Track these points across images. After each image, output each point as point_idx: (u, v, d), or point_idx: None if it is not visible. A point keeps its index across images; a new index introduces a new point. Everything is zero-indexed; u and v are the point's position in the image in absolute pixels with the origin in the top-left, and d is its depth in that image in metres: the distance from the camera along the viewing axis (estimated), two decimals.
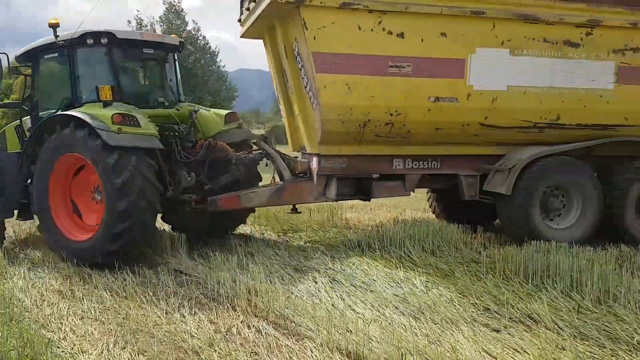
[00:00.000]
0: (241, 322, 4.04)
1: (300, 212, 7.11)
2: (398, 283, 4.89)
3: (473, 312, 4.15)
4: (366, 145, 6.30)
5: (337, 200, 6.67)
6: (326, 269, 5.47)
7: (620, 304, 4.18)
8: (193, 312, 4.29)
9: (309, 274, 5.25)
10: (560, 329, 3.76)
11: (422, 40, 5.97)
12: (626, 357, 3.29)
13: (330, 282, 5.00)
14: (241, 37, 7.41)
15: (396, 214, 8.96)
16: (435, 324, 3.88)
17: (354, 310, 4.20)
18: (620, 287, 4.43)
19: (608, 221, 6.46)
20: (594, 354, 3.36)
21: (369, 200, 6.98)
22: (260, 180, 7.01)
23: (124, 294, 4.75)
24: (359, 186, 6.53)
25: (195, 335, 3.81)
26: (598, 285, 4.45)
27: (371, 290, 4.70)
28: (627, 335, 3.57)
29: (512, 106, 6.29)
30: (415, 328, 3.78)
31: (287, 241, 6.92)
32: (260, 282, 4.79)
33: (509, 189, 6.18)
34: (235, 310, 4.30)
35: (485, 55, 6.14)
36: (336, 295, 4.57)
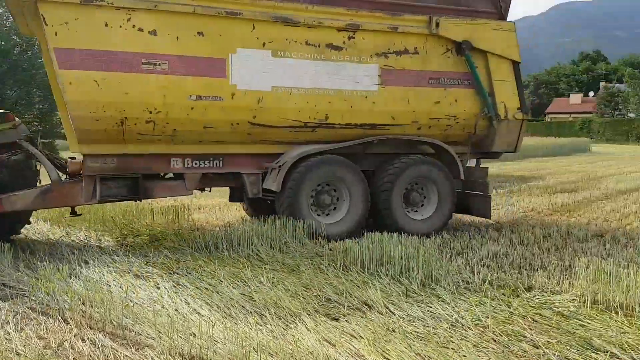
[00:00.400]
0: (74, 336, 3.76)
1: (79, 215, 6.89)
2: (245, 282, 4.92)
3: (316, 303, 4.34)
4: (135, 144, 6.24)
5: (102, 202, 6.50)
6: (170, 273, 5.31)
7: (441, 286, 4.67)
8: (19, 328, 3.88)
9: (151, 280, 5.05)
10: (391, 312, 4.09)
11: (177, 38, 6.02)
12: (445, 334, 3.69)
13: (174, 286, 4.86)
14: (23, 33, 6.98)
15: (244, 213, 8.98)
16: (280, 318, 3.99)
17: (199, 313, 4.14)
18: (441, 271, 4.96)
19: (379, 213, 6.98)
20: (419, 332, 3.71)
21: (140, 201, 6.91)
22: (37, 182, 6.67)
23: None
24: (133, 186, 6.41)
25: (22, 352, 3.46)
26: (423, 270, 4.93)
27: (217, 292, 4.66)
28: (447, 314, 4.00)
29: (279, 106, 6.50)
30: (260, 325, 3.84)
31: (126, 246, 6.57)
32: (96, 292, 4.49)
33: (278, 186, 6.48)
34: (67, 323, 3.98)
35: (246, 56, 6.27)
36: (180, 299, 4.46)
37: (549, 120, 68.29)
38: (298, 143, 6.83)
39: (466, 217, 8.39)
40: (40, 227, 7.68)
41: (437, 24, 6.93)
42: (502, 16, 7.53)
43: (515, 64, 7.50)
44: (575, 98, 71.94)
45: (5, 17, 32.12)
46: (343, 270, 5.24)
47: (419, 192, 7.23)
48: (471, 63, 7.16)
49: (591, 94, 70.30)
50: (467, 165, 7.70)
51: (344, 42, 6.65)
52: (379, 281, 4.83)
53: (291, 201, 6.54)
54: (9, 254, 5.86)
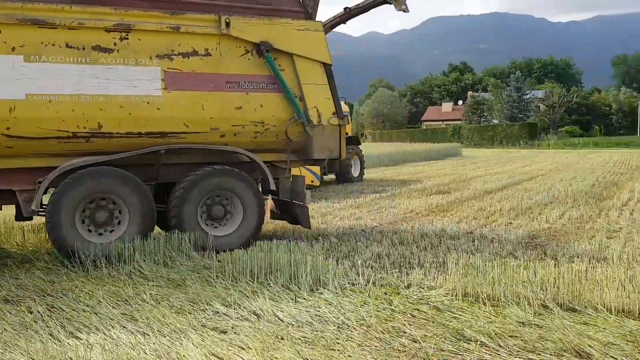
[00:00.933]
0: None
1: None
2: (126, 300, 4.70)
3: (203, 317, 4.26)
4: None
5: None
6: (44, 295, 4.94)
7: (328, 290, 4.81)
8: None
9: (23, 304, 4.65)
10: (280, 319, 4.14)
11: None
12: (332, 336, 3.80)
13: (49, 309, 4.52)
14: None
15: None
16: (164, 336, 3.86)
17: (76, 337, 3.88)
18: (328, 275, 5.10)
19: (171, 229, 6.47)
20: (307, 337, 3.79)
21: None
22: None
23: None
24: None
25: None
26: (311, 275, 5.05)
27: (96, 313, 4.41)
28: (334, 317, 4.13)
29: (37, 115, 5.85)
30: (143, 344, 3.69)
31: None
32: None
33: (37, 204, 5.90)
34: None
35: None
36: (55, 323, 4.16)
37: (424, 127, 72.91)
38: (76, 155, 6.15)
39: (359, 222, 8.71)
40: None
41: (228, 24, 6.48)
42: (310, 15, 7.16)
43: (327, 67, 7.14)
44: (447, 106, 77.51)
45: None
46: (232, 281, 5.20)
47: (223, 205, 6.77)
48: (272, 65, 6.73)
49: (460, 102, 76.15)
50: (291, 174, 7.46)
51: (115, 44, 6.10)
52: (268, 289, 4.86)
53: (56, 218, 5.88)
54: None
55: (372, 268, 5.56)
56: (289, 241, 6.52)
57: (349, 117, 16.96)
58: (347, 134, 15.55)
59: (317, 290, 4.86)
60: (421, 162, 27.74)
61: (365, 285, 4.90)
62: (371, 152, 27.42)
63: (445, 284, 4.88)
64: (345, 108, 16.08)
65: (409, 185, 15.00)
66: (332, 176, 16.13)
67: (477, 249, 6.55)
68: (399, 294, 4.73)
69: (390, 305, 4.40)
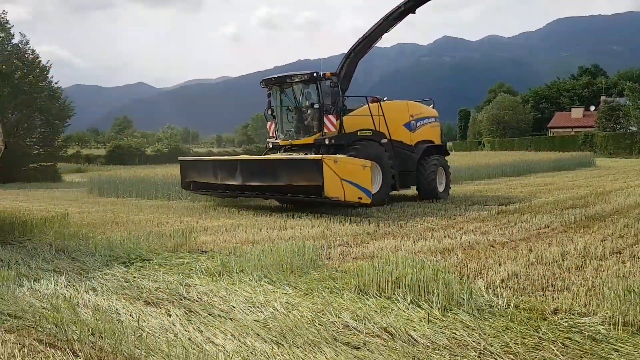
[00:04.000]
0: None
1: None
2: (258, 307, 4.76)
3: (333, 330, 4.17)
4: None
5: None
6: (181, 299, 5.15)
7: (464, 311, 4.50)
8: None
9: (162, 307, 4.89)
10: (415, 340, 3.91)
11: None
12: None
13: (186, 313, 4.69)
14: None
15: (252, 234, 8.83)
16: (297, 347, 3.81)
17: (213, 342, 3.97)
18: (463, 294, 4.78)
19: None
20: None
21: None
22: None
23: None
24: None
25: None
26: (444, 293, 4.76)
27: (230, 319, 4.50)
28: (474, 341, 3.82)
29: None
30: (277, 355, 3.67)
31: (135, 271, 6.40)
32: (106, 322, 4.33)
33: None
34: (77, 356, 3.81)
35: None
36: (193, 327, 4.29)
37: (551, 134, 68.25)
38: None
39: (486, 237, 8.22)
40: (45, 252, 7.52)
41: None
42: None
43: None
44: (577, 112, 72.01)
45: (7, 42, 32.38)
46: (358, 294, 5.07)
47: None
48: None
49: (592, 108, 70.36)
50: None
51: None
52: (397, 306, 4.66)
53: None
54: (12, 281, 5.72)
55: (510, 289, 5.14)
56: (418, 255, 6.26)
57: (437, 123, 15.30)
58: (433, 142, 14.67)
59: (451, 310, 4.56)
60: (550, 172, 25.88)
61: (506, 308, 4.51)
62: (492, 161, 26.16)
63: (599, 310, 4.35)
64: (432, 112, 15.21)
65: (539, 197, 13.98)
66: (409, 191, 14.59)
67: (629, 271, 5.82)
68: (545, 319, 4.29)
69: (538, 333, 3.99)
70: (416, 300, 4.76)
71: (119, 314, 4.70)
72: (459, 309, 4.55)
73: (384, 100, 13.93)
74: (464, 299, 4.67)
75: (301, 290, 5.25)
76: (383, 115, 13.26)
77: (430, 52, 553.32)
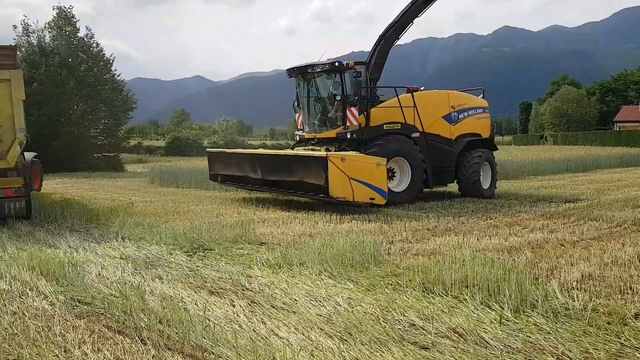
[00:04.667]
0: (152, 357, 3.64)
1: None
2: (320, 301, 4.70)
3: (399, 328, 4.05)
4: None
5: None
6: (244, 289, 5.17)
7: (538, 313, 4.27)
8: (96, 348, 3.80)
9: (226, 297, 4.91)
10: (487, 342, 3.74)
11: None
12: None
13: (250, 304, 4.70)
14: None
15: (309, 227, 8.81)
16: (363, 344, 3.72)
17: (277, 335, 3.94)
18: (536, 295, 4.55)
19: None
20: None
21: None
22: None
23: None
24: None
25: None
26: (516, 294, 4.54)
27: (293, 312, 4.46)
28: (551, 346, 3.61)
29: None
30: (344, 352, 3.59)
31: (198, 261, 6.49)
32: (173, 310, 4.38)
33: None
34: (145, 344, 3.87)
35: None
36: (257, 319, 4.29)
37: (617, 129, 64.93)
38: None
39: (554, 235, 7.86)
40: (112, 240, 7.76)
41: None
42: None
43: None
44: None
45: (73, 35, 33.76)
46: (423, 292, 4.92)
47: None
48: None
49: None
50: None
51: None
52: (465, 305, 4.48)
53: None
54: (83, 268, 5.91)
55: (585, 291, 4.85)
56: (484, 253, 6.03)
57: (486, 114, 13.92)
58: (479, 135, 13.45)
59: (524, 312, 4.34)
60: (617, 168, 24.58)
61: (583, 312, 4.25)
62: (555, 155, 25.15)
63: None
64: (480, 103, 13.93)
65: (607, 194, 13.26)
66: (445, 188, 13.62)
67: None
68: (626, 324, 4.01)
69: (619, 338, 3.73)
70: (486, 300, 4.57)
71: (185, 303, 4.75)
72: (533, 311, 4.33)
73: (420, 91, 13.02)
74: (537, 301, 4.44)
75: (363, 286, 5.15)
76: (415, 106, 12.29)
77: (489, 43, 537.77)
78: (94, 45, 34.58)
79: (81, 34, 34.36)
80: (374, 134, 11.76)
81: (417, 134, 12.24)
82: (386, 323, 4.15)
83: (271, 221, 9.52)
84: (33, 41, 32.58)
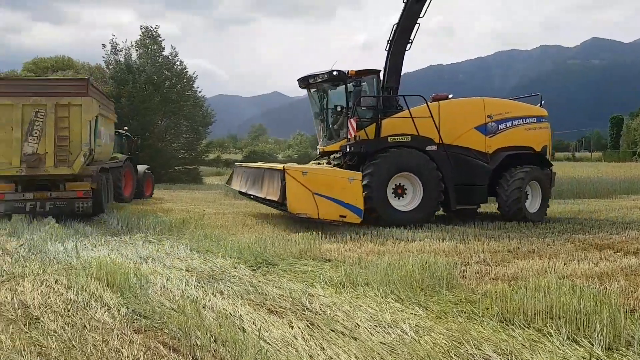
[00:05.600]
0: None
1: None
2: (385, 328, 4.34)
3: None
4: None
5: None
6: (304, 309, 4.90)
7: (635, 352, 3.69)
8: None
9: (285, 317, 4.67)
10: None
11: None
12: None
13: (309, 326, 4.42)
14: None
15: (378, 245, 8.43)
16: None
17: None
18: (633, 331, 3.95)
19: None
20: None
21: None
22: None
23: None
24: None
25: None
26: (608, 329, 3.96)
27: (354, 338, 4.13)
28: None
29: None
30: None
31: (261, 276, 6.31)
32: (228, 330, 4.18)
33: None
34: None
35: None
36: (315, 343, 4.00)
37: None
38: None
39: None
40: (180, 252, 7.79)
41: None
42: None
43: None
44: None
45: (158, 54, 35.48)
46: (501, 322, 4.43)
47: None
48: None
49: None
50: None
51: None
52: (550, 340, 3.96)
53: None
54: (148, 280, 5.89)
55: None
56: (572, 280, 5.41)
57: (543, 124, 12.24)
58: (531, 148, 11.84)
59: (617, 350, 3.77)
60: None
61: None
62: None
63: None
64: (534, 111, 12.25)
65: None
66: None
67: None
68: None
69: None
70: (573, 335, 4.02)
71: (242, 321, 4.56)
72: (628, 349, 3.76)
73: (448, 99, 11.85)
74: (633, 338, 3.85)
75: (433, 313, 4.73)
76: (432, 116, 11.05)
77: (577, 55, 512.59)
78: (178, 63, 36.19)
79: (166, 52, 36.09)
80: (376, 146, 10.84)
81: (433, 147, 11.02)
82: (458, 357, 3.73)
83: (339, 237, 9.23)
84: (120, 59, 34.55)
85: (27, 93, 11.16)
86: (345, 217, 9.87)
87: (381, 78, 11.69)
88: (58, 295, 5.40)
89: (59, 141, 11.08)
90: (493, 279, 5.99)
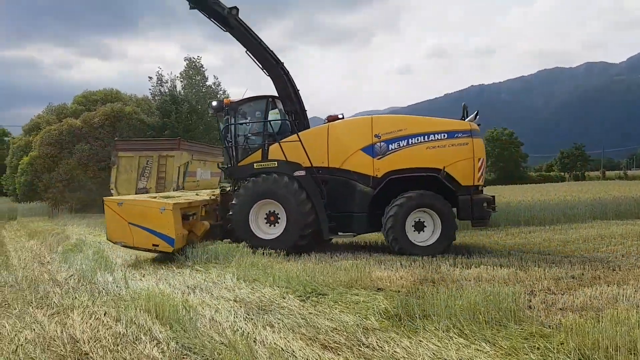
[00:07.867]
0: None
1: None
2: None
3: None
4: None
5: None
6: (360, 345, 4.61)
7: None
8: None
9: (341, 354, 4.39)
10: None
11: None
12: None
13: None
14: None
15: (431, 271, 8.04)
16: None
17: None
18: None
19: None
20: None
21: None
22: None
23: None
24: None
25: None
26: None
27: None
28: None
29: None
30: None
31: (311, 307, 6.06)
32: None
33: None
34: None
35: None
36: None
37: None
38: None
39: None
40: (227, 281, 7.63)
41: None
42: None
43: None
44: None
45: (201, 84, 36.30)
46: (579, 359, 4.02)
47: None
48: None
49: None
50: None
51: None
52: None
53: None
54: (196, 312, 5.74)
55: None
56: None
57: (461, 139, 9.91)
58: (436, 169, 9.87)
59: None
60: None
61: None
62: None
63: None
64: (461, 125, 10.15)
65: None
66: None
67: None
68: None
69: None
70: None
71: (295, 357, 4.31)
72: None
73: (339, 119, 11.11)
74: None
75: (502, 349, 4.35)
76: (300, 140, 10.50)
77: (624, 71, 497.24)
78: (221, 92, 36.90)
79: (209, 82, 36.89)
80: (243, 174, 10.86)
81: (301, 173, 10.35)
82: None
83: (388, 263, 8.88)
84: (166, 90, 35.51)
85: (141, 149, 18.61)
86: (157, 245, 9.79)
87: (277, 102, 11.44)
88: (107, 329, 5.29)
89: (159, 180, 17.84)
90: (561, 310, 5.55)
